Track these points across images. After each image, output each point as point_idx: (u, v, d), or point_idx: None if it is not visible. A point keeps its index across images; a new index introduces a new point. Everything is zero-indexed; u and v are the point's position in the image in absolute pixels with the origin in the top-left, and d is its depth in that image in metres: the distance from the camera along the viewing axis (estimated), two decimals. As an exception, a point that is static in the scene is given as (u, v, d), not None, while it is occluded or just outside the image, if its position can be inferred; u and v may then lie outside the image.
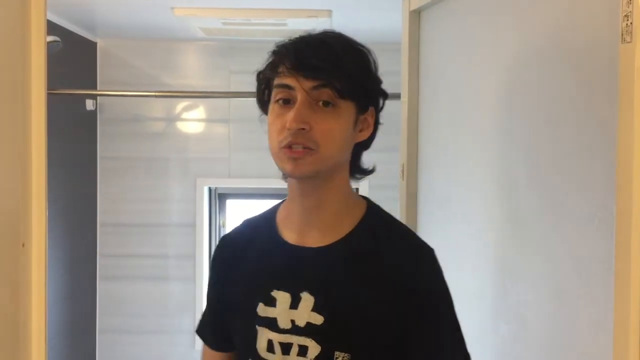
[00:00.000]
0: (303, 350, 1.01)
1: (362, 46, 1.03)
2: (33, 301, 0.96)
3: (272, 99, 1.01)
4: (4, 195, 0.92)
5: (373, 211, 1.08)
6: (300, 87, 0.97)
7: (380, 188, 2.76)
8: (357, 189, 2.99)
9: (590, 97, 1.02)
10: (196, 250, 3.03)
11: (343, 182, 1.06)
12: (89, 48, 2.94)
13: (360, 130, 1.04)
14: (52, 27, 2.52)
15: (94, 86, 2.97)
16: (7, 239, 0.91)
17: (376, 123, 1.06)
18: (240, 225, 1.18)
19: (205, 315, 1.21)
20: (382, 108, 1.07)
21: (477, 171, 1.43)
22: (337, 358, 0.99)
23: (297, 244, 1.06)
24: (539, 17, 1.18)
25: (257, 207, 3.27)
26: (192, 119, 3.07)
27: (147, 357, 3.05)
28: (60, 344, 2.70)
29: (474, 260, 1.43)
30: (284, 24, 2.40)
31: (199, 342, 3.33)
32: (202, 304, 3.03)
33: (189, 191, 3.03)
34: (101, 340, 3.05)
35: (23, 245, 0.93)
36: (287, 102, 0.99)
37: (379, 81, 1.05)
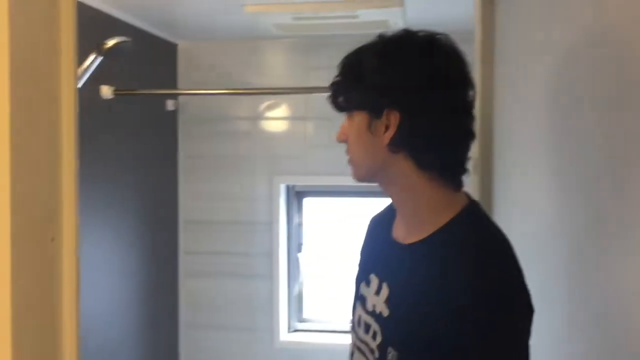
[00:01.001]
0: (374, 335, 1.08)
1: (380, 50, 1.06)
2: (64, 297, 0.94)
3: None
4: (32, 188, 0.91)
5: (462, 217, 1.04)
6: None
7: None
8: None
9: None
10: (273, 248, 3.02)
11: (405, 184, 1.06)
12: (169, 50, 3.01)
13: (384, 133, 1.04)
14: (134, 30, 2.60)
15: (174, 87, 3.04)
16: (36, 233, 0.90)
17: (406, 123, 1.02)
18: (385, 208, 1.26)
19: None
20: (422, 107, 1.02)
21: (555, 166, 1.30)
22: (389, 353, 1.03)
23: (394, 238, 1.13)
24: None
25: (334, 205, 3.22)
26: (269, 117, 3.06)
27: (228, 353, 3.08)
28: (144, 339, 2.78)
29: (549, 264, 1.30)
30: (355, 16, 2.33)
31: (277, 339, 3.33)
32: (281, 301, 3.02)
33: (266, 189, 3.03)
34: (184, 336, 3.12)
35: (52, 239, 0.92)
36: None
37: (389, 81, 1.03)
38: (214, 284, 3.08)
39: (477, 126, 1.69)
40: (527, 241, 1.39)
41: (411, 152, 1.03)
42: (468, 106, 1.04)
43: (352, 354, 1.17)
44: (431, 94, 1.01)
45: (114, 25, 2.43)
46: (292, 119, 3.03)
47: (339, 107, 1.10)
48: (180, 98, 3.02)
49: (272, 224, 3.02)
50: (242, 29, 2.73)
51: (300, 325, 3.17)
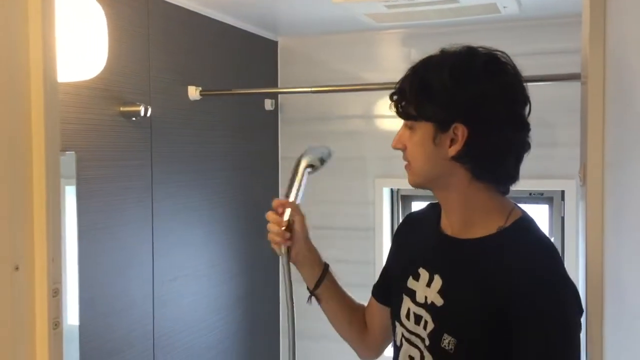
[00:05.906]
0: (425, 324, 1.17)
1: (450, 67, 1.11)
2: (37, 341, 0.83)
3: None
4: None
5: (516, 227, 1.14)
6: None
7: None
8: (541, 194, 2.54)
9: None
10: (376, 256, 2.81)
11: (461, 191, 1.16)
12: (270, 47, 2.91)
13: (450, 146, 1.12)
14: (233, 30, 2.54)
15: (275, 86, 2.93)
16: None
17: (473, 137, 1.10)
18: (425, 207, 1.36)
19: (380, 275, 1.47)
20: (484, 122, 1.11)
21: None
22: (444, 339, 1.11)
23: (444, 232, 1.22)
24: None
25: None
26: (371, 116, 2.86)
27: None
28: (242, 344, 2.71)
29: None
30: (455, 1, 2.06)
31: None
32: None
33: (368, 193, 2.83)
34: (284, 344, 3.01)
35: (17, 268, 0.81)
36: None
37: (460, 98, 1.10)
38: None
39: (585, 124, 1.38)
40: None
41: (471, 163, 1.12)
42: (526, 121, 1.14)
43: (399, 347, 1.25)
44: (497, 111, 1.10)
45: (214, 28, 2.37)
46: (395, 117, 2.80)
47: (406, 115, 1.16)
48: (280, 97, 2.91)
49: (374, 230, 2.82)
50: (336, 22, 2.57)
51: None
